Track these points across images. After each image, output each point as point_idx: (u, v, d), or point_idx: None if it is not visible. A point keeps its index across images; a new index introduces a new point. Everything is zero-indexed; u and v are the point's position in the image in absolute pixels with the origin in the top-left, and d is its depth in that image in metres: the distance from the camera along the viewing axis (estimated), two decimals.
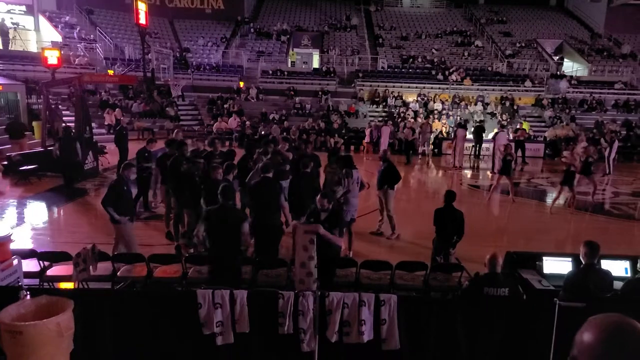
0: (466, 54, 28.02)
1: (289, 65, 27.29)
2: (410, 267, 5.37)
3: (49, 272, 5.37)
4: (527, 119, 22.13)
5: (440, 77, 24.99)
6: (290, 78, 25.08)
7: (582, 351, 1.17)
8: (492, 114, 22.20)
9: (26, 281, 4.97)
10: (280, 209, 6.07)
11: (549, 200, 11.18)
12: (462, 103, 23.08)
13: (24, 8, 25.48)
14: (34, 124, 16.54)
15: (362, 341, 3.83)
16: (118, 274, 5.28)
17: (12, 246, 5.03)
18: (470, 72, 25.66)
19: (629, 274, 4.99)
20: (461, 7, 34.24)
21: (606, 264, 4.78)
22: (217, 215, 4.79)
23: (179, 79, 22.85)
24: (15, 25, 24.31)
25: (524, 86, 24.65)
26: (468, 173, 15.73)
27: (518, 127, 18.77)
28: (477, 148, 17.76)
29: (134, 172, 6.29)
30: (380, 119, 21.08)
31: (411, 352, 3.94)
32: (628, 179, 14.99)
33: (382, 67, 26.28)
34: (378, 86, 24.22)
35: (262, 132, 18.59)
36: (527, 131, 18.46)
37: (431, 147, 18.79)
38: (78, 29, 25.67)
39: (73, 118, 13.87)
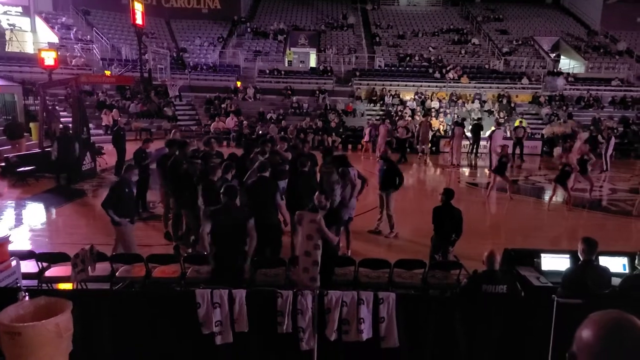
0: (463, 52, 28.04)
1: (286, 64, 27.28)
2: (409, 265, 5.37)
3: (48, 273, 5.35)
4: (525, 116, 22.16)
5: (437, 75, 25.00)
6: (288, 77, 25.05)
7: (581, 347, 1.16)
8: (490, 112, 22.22)
9: (25, 282, 4.96)
10: (277, 208, 6.06)
11: (547, 197, 11.20)
12: (460, 101, 23.10)
13: (20, 9, 25.39)
14: (31, 125, 16.48)
15: (361, 339, 3.83)
16: (116, 274, 5.27)
17: (11, 247, 5.02)
18: (467, 70, 25.67)
19: (627, 271, 5.00)
20: (457, 5, 34.26)
21: (604, 261, 4.79)
22: (223, 214, 4.78)
23: (176, 79, 22.81)
24: (12, 27, 24.23)
25: (521, 84, 24.68)
26: (466, 171, 15.75)
27: (518, 125, 18.76)
28: (475, 146, 17.78)
29: (136, 173, 6.24)
30: (378, 117, 21.08)
31: (410, 349, 3.94)
32: (625, 175, 15.03)
33: (379, 66, 26.28)
34: (375, 85, 24.21)
35: (260, 132, 18.57)
36: (526, 130, 18.46)
37: (429, 145, 18.77)
38: (75, 29, 25.59)
39: (70, 119, 13.81)
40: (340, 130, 20.27)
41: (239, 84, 24.21)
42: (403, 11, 33.87)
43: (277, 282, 5.07)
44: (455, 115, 21.30)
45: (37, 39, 25.06)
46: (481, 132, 17.84)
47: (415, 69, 26.01)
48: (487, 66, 26.49)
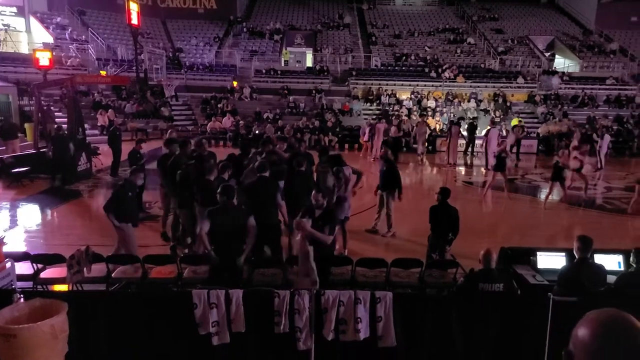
0: (459, 51, 28.10)
1: (282, 64, 27.25)
2: (406, 264, 5.37)
3: (43, 275, 5.33)
4: (520, 115, 22.23)
5: (433, 74, 25.05)
6: (284, 77, 25.05)
7: (578, 346, 1.16)
8: (486, 111, 22.29)
9: (19, 284, 4.92)
10: (277, 208, 6.05)
11: (543, 196, 11.23)
12: (456, 100, 23.15)
13: (14, 9, 25.28)
14: (26, 125, 16.40)
15: (358, 339, 3.83)
16: (112, 275, 5.25)
17: (5, 249, 4.98)
18: (463, 69, 25.73)
19: (622, 268, 5.01)
20: (453, 5, 34.35)
21: (599, 259, 4.80)
22: (222, 214, 4.76)
23: (172, 79, 22.75)
24: (6, 27, 24.11)
25: (517, 83, 24.76)
26: (462, 170, 15.78)
27: (516, 124, 18.79)
28: (471, 146, 17.81)
29: (142, 177, 6.15)
30: (374, 116, 21.09)
31: (407, 348, 3.94)
32: (620, 173, 15.10)
33: (376, 65, 26.31)
34: (372, 84, 24.23)
35: (257, 132, 18.55)
36: (524, 129, 18.51)
37: (425, 144, 18.79)
38: (70, 30, 25.47)
39: (65, 119, 13.76)
40: (337, 129, 20.28)
41: (235, 83, 24.16)
42: (399, 11, 33.91)
43: (274, 282, 5.06)
44: (452, 115, 21.34)
45: (32, 39, 24.95)
46: (476, 131, 17.89)
47: (411, 68, 26.05)
48: (482, 65, 26.56)
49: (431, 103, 22.83)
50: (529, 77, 25.29)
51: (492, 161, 13.27)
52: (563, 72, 26.31)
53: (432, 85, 24.27)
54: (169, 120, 20.79)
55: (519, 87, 24.57)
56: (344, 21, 31.30)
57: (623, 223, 9.57)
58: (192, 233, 6.56)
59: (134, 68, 20.92)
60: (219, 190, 4.92)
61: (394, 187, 7.84)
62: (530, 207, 10.83)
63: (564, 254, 5.21)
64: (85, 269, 4.96)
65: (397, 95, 23.47)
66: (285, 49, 28.41)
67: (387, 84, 24.19)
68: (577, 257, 4.29)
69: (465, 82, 24.50)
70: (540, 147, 19.15)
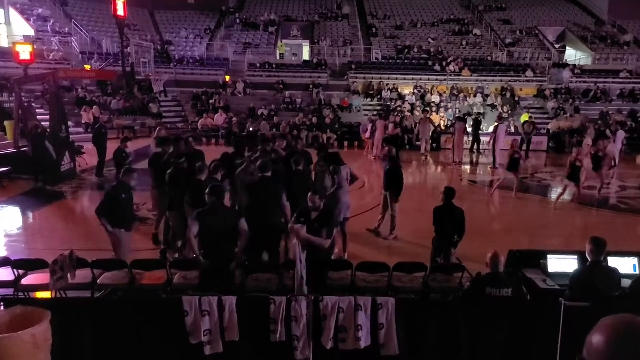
0: (464, 43, 28.13)
1: (278, 57, 27.25)
2: (409, 269, 5.37)
3: (24, 281, 5.31)
4: (530, 110, 22.26)
5: (437, 68, 25.07)
6: (280, 71, 25.03)
7: (592, 353, 1.16)
8: (493, 106, 22.31)
9: (0, 291, 4.91)
10: (280, 209, 6.03)
11: (554, 195, 11.25)
12: (461, 95, 23.17)
13: None
14: (6, 123, 16.30)
15: (359, 347, 3.83)
16: (98, 281, 5.23)
17: None
18: (468, 62, 25.76)
19: (637, 272, 5.02)
20: None
21: (613, 262, 4.81)
22: (211, 215, 4.76)
23: (160, 74, 22.72)
24: None
25: (525, 76, 24.79)
26: (468, 168, 15.80)
27: (527, 120, 18.81)
28: (477, 143, 17.84)
29: (136, 178, 6.12)
30: (375, 113, 21.10)
31: (410, 357, 3.95)
32: (635, 172, 15.12)
33: (376, 58, 26.31)
34: (372, 78, 24.24)
35: (251, 129, 18.53)
36: (535, 125, 18.51)
37: (429, 142, 18.80)
38: (52, 21, 25.40)
39: (48, 117, 13.73)
40: (336, 126, 20.28)
41: (227, 78, 24.15)
42: (401, 0, 33.93)
43: (269, 288, 5.05)
44: (457, 110, 21.35)
45: (12, 31, 24.86)
46: (480, 128, 17.91)
47: (414, 61, 26.06)
48: (489, 58, 26.59)
49: (435, 98, 22.84)
50: (538, 71, 25.32)
51: (499, 159, 13.30)
52: (574, 65, 26.35)
53: (436, 80, 24.28)
54: (157, 118, 20.75)
55: (528, 81, 24.60)
56: (343, 11, 31.31)
57: (638, 224, 9.59)
58: (182, 236, 6.55)
59: (120, 62, 20.87)
60: (207, 191, 4.92)
61: (396, 189, 7.85)
62: (540, 208, 10.85)
63: (576, 256, 5.22)
64: (69, 274, 4.94)
65: (399, 90, 23.48)
66: (281, 42, 28.41)
67: (388, 78, 24.20)
68: (589, 260, 4.29)
69: (471, 75, 24.51)
70: (550, 144, 19.18)
